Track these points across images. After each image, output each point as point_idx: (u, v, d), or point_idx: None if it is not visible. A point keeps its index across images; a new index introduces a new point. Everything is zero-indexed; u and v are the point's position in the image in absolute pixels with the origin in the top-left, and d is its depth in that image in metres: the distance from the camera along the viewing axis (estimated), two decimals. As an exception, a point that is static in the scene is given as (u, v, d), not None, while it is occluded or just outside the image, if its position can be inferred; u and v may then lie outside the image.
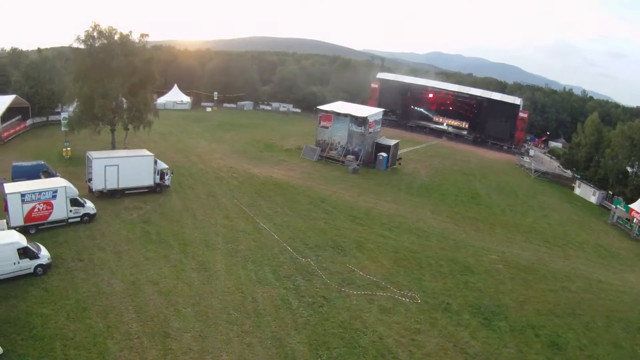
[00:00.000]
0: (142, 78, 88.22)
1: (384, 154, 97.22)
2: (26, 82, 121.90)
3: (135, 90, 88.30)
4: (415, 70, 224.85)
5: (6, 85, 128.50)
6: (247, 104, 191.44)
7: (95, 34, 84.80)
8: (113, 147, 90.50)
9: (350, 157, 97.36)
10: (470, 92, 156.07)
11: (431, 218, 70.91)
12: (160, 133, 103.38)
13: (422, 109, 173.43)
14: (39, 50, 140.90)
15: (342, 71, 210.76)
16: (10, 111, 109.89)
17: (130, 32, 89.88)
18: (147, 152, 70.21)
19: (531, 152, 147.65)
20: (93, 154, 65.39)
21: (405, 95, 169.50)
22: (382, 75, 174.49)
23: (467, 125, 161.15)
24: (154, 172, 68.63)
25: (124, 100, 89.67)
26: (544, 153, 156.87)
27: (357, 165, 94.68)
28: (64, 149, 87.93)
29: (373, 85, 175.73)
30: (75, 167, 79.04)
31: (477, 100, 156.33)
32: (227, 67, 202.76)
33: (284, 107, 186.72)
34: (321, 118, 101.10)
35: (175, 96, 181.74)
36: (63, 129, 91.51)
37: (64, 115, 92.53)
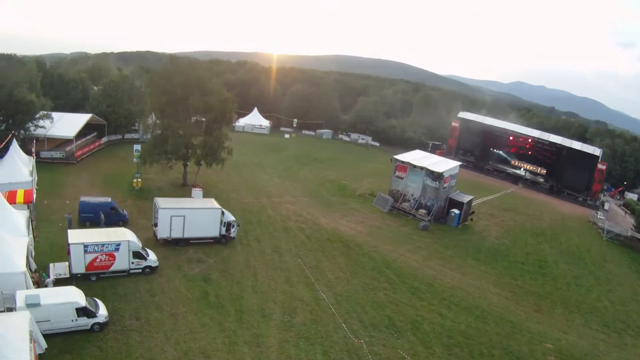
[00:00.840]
0: (217, 116, 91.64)
1: (457, 211, 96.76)
2: (104, 100, 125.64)
3: (209, 128, 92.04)
4: (496, 106, 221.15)
5: (84, 101, 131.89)
6: (326, 133, 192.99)
7: (173, 68, 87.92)
8: (184, 183, 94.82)
9: (422, 211, 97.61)
10: (550, 139, 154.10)
11: (493, 293, 70.63)
12: (234, 164, 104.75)
13: (501, 152, 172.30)
14: (120, 69, 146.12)
15: (424, 106, 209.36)
16: (86, 127, 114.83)
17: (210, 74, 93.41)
18: (215, 204, 71.17)
19: (606, 206, 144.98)
20: (160, 203, 67.02)
21: (485, 137, 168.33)
22: (463, 114, 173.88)
23: (544, 172, 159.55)
24: (220, 224, 69.51)
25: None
26: (619, 206, 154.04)
27: (428, 221, 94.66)
28: (135, 180, 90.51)
29: (453, 124, 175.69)
30: (144, 202, 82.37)
31: (557, 147, 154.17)
32: (309, 92, 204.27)
33: (362, 139, 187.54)
34: (397, 168, 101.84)
35: (255, 119, 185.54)
36: (135, 160, 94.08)
37: (136, 147, 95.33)
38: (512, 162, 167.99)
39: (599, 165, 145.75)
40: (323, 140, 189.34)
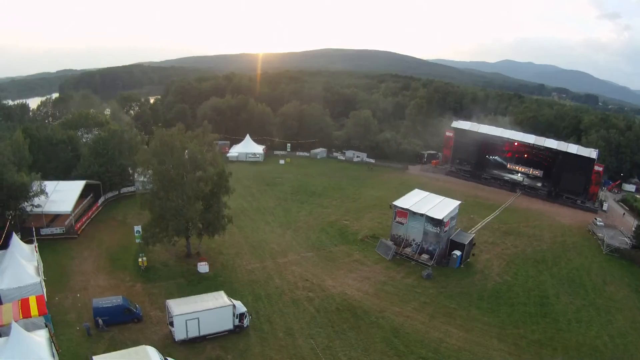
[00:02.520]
0: (214, 189, 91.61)
1: (458, 253, 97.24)
2: (95, 159, 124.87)
3: (208, 202, 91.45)
4: (487, 101, 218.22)
5: (75, 160, 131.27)
6: (320, 152, 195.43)
7: (164, 150, 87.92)
8: (188, 253, 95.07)
9: (424, 256, 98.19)
10: (546, 144, 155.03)
11: (497, 350, 71.56)
12: (234, 213, 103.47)
13: (496, 157, 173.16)
14: (107, 121, 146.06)
15: (417, 114, 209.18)
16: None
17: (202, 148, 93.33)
18: (225, 300, 71.62)
19: (605, 206, 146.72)
20: (173, 308, 67.72)
21: (480, 145, 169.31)
22: (456, 124, 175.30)
23: (541, 174, 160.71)
24: (233, 317, 70.42)
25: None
26: (618, 202, 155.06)
27: (431, 266, 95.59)
28: (140, 259, 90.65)
29: (448, 133, 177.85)
30: (153, 285, 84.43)
31: (553, 152, 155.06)
32: (300, 111, 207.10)
33: (357, 156, 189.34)
34: (397, 213, 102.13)
35: (248, 147, 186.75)
36: (137, 241, 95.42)
37: (137, 228, 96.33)
38: (509, 165, 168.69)
39: (596, 167, 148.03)
40: (318, 161, 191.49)
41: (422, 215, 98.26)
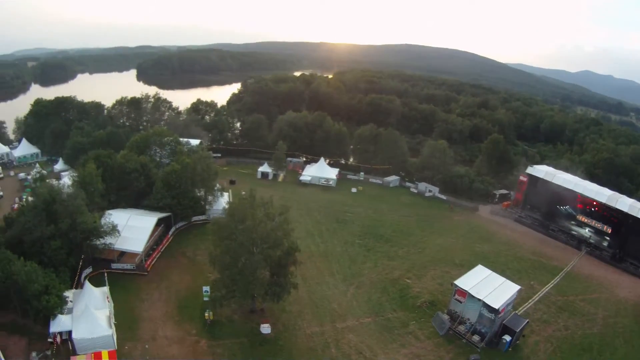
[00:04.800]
0: (284, 253, 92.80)
1: (508, 338, 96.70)
2: (167, 192, 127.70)
3: (276, 267, 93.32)
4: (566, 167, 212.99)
5: (148, 188, 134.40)
6: (394, 181, 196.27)
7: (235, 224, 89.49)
8: (253, 309, 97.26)
9: (475, 337, 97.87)
10: (617, 206, 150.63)
11: None
12: (300, 256, 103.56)
13: (567, 207, 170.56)
14: (180, 151, 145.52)
15: (491, 154, 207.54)
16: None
17: (279, 214, 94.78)
18: None
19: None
20: None
21: (552, 194, 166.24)
22: (531, 170, 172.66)
23: (610, 230, 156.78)
24: None
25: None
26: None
27: (480, 347, 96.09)
28: (207, 314, 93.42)
29: (522, 177, 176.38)
30: (219, 344, 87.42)
31: (623, 214, 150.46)
32: (376, 135, 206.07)
33: (430, 190, 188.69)
34: (456, 292, 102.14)
35: (322, 171, 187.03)
36: (205, 299, 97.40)
37: (205, 288, 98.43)
38: (579, 216, 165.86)
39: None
40: (390, 190, 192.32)
41: (479, 300, 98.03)
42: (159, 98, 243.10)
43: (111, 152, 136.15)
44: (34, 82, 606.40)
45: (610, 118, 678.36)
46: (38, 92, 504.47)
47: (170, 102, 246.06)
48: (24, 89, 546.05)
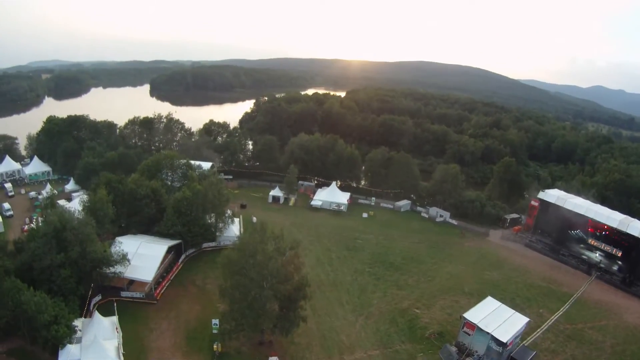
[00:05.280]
0: (296, 288, 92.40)
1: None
2: (178, 219, 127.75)
3: (286, 301, 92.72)
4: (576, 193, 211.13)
5: (159, 214, 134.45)
6: (404, 205, 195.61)
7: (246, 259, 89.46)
8: (261, 341, 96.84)
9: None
10: (628, 231, 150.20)
11: None
12: (310, 288, 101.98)
13: (579, 231, 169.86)
14: (191, 179, 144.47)
15: (503, 178, 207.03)
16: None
17: (290, 248, 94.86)
18: None
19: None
20: None
21: (564, 219, 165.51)
22: (543, 195, 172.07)
23: (620, 254, 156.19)
24: None
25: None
26: None
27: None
28: (215, 345, 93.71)
29: (533, 202, 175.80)
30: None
31: (633, 238, 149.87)
32: (387, 159, 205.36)
33: (441, 215, 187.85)
34: (465, 324, 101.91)
35: (333, 196, 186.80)
36: (215, 331, 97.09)
37: (214, 322, 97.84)
38: (590, 240, 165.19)
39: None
40: (401, 215, 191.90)
41: (488, 333, 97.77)
42: (172, 119, 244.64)
43: (122, 177, 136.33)
44: (47, 95, 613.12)
45: (622, 134, 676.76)
46: (51, 105, 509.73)
47: (182, 123, 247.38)
48: (37, 102, 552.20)
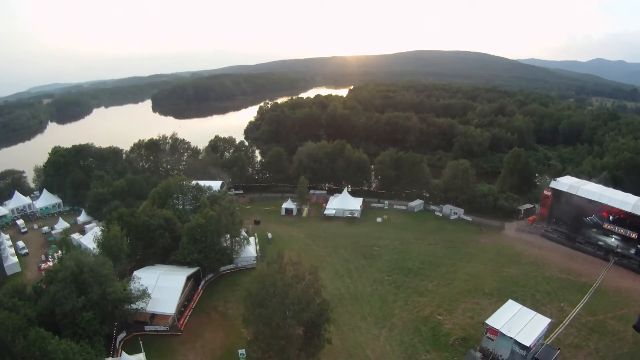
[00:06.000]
0: (317, 315, 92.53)
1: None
2: (194, 246, 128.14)
3: (310, 326, 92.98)
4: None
5: (175, 243, 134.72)
6: (417, 205, 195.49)
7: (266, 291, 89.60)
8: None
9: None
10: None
11: None
12: (331, 299, 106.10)
13: (593, 217, 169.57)
14: (203, 204, 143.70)
15: (513, 168, 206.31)
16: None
17: (309, 273, 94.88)
18: None
19: None
20: None
21: (578, 206, 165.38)
22: (555, 184, 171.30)
23: (636, 236, 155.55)
24: None
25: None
26: None
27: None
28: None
29: (546, 192, 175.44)
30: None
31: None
32: (397, 160, 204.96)
33: (455, 213, 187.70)
34: (488, 330, 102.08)
35: (346, 203, 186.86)
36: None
37: (241, 352, 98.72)
38: (605, 224, 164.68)
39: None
40: (415, 216, 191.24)
41: (511, 338, 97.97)
42: (177, 139, 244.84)
43: (134, 210, 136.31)
44: (50, 120, 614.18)
45: (627, 107, 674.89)
46: (55, 130, 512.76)
47: (188, 142, 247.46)
48: (41, 128, 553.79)
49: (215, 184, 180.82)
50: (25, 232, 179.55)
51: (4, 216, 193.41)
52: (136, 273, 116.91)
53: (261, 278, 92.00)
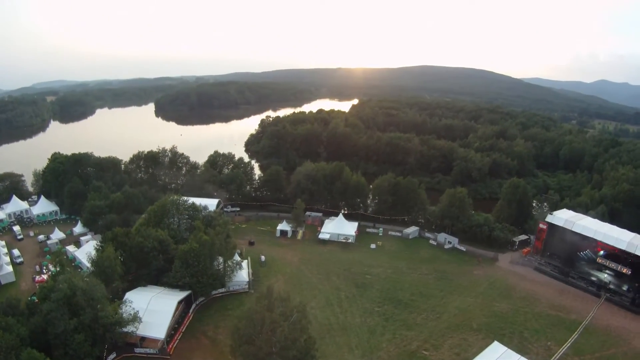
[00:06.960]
0: (303, 352, 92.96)
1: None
2: (186, 270, 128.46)
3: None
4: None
5: (168, 264, 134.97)
6: (412, 232, 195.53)
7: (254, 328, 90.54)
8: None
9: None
10: (637, 253, 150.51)
11: None
12: (320, 329, 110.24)
13: (587, 251, 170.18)
14: (198, 228, 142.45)
15: (512, 198, 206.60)
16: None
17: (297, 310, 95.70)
18: None
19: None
20: None
21: (572, 242, 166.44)
22: (551, 218, 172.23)
23: (629, 272, 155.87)
24: None
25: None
26: None
27: None
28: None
29: (541, 225, 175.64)
30: None
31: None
32: (394, 184, 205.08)
33: (449, 242, 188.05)
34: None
35: (340, 228, 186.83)
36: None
37: None
38: (598, 259, 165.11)
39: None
40: (409, 244, 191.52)
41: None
42: (176, 153, 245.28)
43: (128, 230, 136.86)
44: (53, 119, 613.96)
45: (629, 130, 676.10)
46: (57, 130, 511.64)
47: (187, 157, 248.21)
48: (43, 126, 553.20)
49: (212, 203, 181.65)
50: (22, 239, 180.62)
51: (1, 220, 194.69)
52: (128, 295, 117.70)
53: (250, 315, 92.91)
